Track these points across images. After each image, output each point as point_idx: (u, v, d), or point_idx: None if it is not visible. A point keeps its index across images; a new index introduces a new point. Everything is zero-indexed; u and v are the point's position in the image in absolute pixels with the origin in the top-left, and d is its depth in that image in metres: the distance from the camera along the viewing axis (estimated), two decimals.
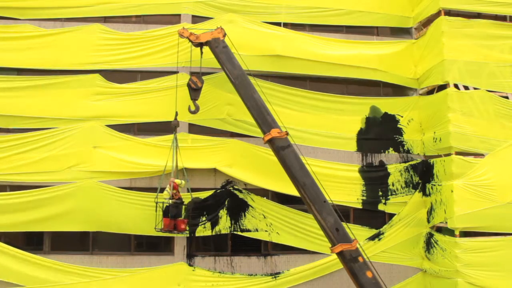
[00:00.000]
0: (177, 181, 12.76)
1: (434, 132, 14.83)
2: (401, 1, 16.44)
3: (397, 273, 14.72)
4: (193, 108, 13.86)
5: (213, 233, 14.18)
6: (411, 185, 15.30)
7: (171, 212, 12.69)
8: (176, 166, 13.14)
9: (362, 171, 15.16)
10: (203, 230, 14.14)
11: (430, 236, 14.71)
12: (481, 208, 13.59)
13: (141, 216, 13.60)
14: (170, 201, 12.67)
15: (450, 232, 13.92)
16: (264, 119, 12.68)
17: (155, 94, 14.55)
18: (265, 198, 14.60)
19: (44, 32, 14.56)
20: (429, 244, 14.66)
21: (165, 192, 12.82)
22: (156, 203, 12.72)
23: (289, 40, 15.21)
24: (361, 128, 15.51)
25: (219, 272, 14.03)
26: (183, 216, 13.10)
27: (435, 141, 14.78)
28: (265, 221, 14.41)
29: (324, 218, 11.67)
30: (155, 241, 14.15)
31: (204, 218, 14.17)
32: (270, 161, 13.80)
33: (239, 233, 14.32)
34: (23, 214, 13.41)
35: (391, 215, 15.07)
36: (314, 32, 15.85)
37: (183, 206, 13.13)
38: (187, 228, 13.23)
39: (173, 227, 12.64)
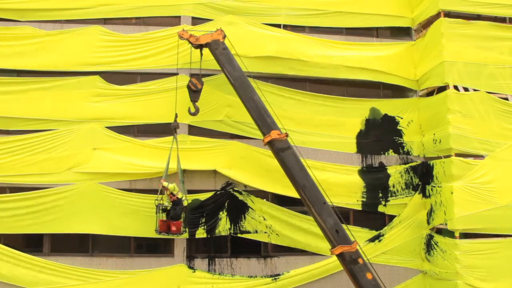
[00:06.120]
0: (165, 183, 12.65)
1: (434, 134, 14.84)
2: (401, 3, 16.47)
3: (397, 274, 14.72)
4: (193, 110, 13.85)
5: (213, 235, 14.16)
6: (411, 186, 15.30)
7: (167, 214, 12.78)
8: (179, 167, 13.13)
9: (362, 172, 15.16)
10: (203, 232, 14.12)
11: (430, 237, 14.70)
12: (480, 209, 13.60)
13: (140, 218, 13.58)
14: (158, 202, 12.68)
15: (450, 233, 13.92)
16: (263, 121, 12.68)
17: (155, 96, 14.56)
18: (265, 200, 14.59)
19: (44, 34, 14.57)
20: (429, 245, 14.66)
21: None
22: (156, 205, 12.73)
23: (289, 42, 15.21)
24: (361, 130, 15.51)
25: (219, 274, 14.02)
26: (182, 218, 13.08)
27: (435, 143, 14.79)
28: (265, 223, 14.40)
29: (324, 220, 11.66)
30: (155, 243, 14.14)
31: (204, 220, 14.15)
32: (270, 163, 13.81)
33: (239, 235, 14.30)
34: (23, 216, 13.39)
35: (391, 217, 15.07)
36: (314, 33, 15.87)
37: (183, 208, 13.08)
38: (184, 230, 13.18)
39: (167, 229, 12.65)
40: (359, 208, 14.97)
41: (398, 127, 15.70)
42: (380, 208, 15.10)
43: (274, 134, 12.39)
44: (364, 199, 15.00)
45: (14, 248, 13.28)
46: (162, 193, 12.83)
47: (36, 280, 13.15)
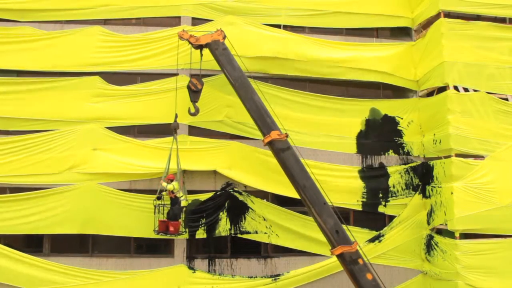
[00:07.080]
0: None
1: (434, 134, 14.84)
2: (401, 3, 16.47)
3: (397, 275, 14.72)
4: (193, 110, 13.84)
5: (213, 236, 14.15)
6: (411, 187, 15.30)
7: (167, 214, 12.79)
8: (179, 168, 13.13)
9: (362, 173, 15.15)
10: (203, 233, 14.11)
11: (430, 238, 14.69)
12: (480, 210, 13.61)
13: (140, 218, 13.58)
14: (156, 202, 12.70)
15: (450, 234, 13.92)
16: (264, 121, 12.67)
17: (155, 96, 14.57)
18: (265, 200, 14.59)
19: (44, 34, 14.58)
20: (429, 246, 14.65)
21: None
22: (155, 206, 12.75)
23: (289, 42, 15.22)
24: (361, 130, 15.51)
25: (219, 275, 14.01)
26: (182, 218, 13.08)
27: (435, 143, 14.79)
28: (265, 223, 14.40)
29: (324, 220, 11.65)
30: (155, 243, 14.14)
31: (204, 220, 14.14)
32: (270, 163, 13.80)
33: (239, 235, 14.30)
34: (23, 216, 13.39)
35: (391, 217, 15.07)
36: (314, 34, 15.88)
37: (182, 208, 13.07)
38: (184, 230, 13.18)
39: (165, 229, 12.66)
40: (359, 208, 14.97)
41: (398, 128, 15.70)
42: (380, 209, 15.09)
43: (274, 135, 12.38)
44: (364, 200, 14.99)
45: (14, 248, 13.28)
46: (162, 192, 12.82)
47: (36, 281, 13.14)
